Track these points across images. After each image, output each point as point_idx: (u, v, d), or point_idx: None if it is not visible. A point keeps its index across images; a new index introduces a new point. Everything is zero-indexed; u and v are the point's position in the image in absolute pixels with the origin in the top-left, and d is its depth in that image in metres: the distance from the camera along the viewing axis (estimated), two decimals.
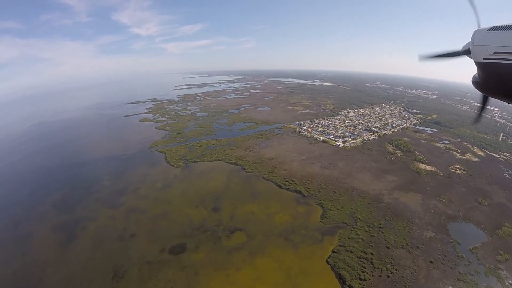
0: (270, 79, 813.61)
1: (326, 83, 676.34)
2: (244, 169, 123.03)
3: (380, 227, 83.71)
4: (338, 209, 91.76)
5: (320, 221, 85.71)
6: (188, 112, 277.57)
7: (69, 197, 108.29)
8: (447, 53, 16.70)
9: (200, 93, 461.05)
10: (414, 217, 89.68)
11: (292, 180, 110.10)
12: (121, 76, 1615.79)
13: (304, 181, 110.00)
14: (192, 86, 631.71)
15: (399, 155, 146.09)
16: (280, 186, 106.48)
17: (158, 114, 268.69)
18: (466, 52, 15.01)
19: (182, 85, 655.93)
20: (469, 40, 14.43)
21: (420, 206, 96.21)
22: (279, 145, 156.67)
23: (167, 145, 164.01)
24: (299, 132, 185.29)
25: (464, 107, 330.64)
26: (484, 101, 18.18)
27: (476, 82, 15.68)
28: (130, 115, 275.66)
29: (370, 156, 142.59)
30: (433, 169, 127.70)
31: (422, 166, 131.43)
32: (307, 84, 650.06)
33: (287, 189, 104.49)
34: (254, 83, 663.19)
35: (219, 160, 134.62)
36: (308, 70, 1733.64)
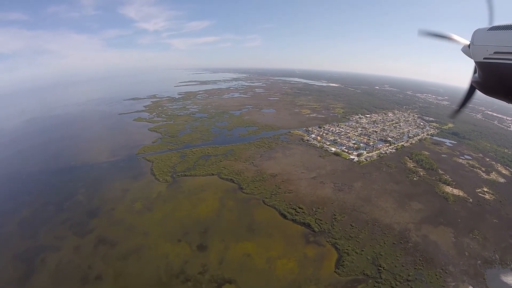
0: (276, 78, 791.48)
1: (334, 84, 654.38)
2: (241, 188, 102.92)
3: (409, 280, 65.46)
4: (357, 253, 72.08)
5: (335, 271, 66.14)
6: (186, 112, 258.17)
7: (38, 215, 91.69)
8: (447, 36, 15.65)
9: (202, 90, 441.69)
10: (448, 262, 72.13)
11: (299, 208, 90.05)
12: (125, 71, 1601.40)
13: (314, 209, 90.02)
14: (196, 83, 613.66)
15: (421, 174, 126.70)
16: (284, 216, 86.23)
17: (154, 113, 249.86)
18: (466, 50, 14.70)
19: (185, 82, 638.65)
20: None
21: (453, 247, 78.38)
22: (284, 157, 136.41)
23: (156, 151, 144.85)
24: (307, 140, 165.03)
25: (478, 116, 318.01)
26: (469, 96, 17.72)
27: (476, 82, 15.52)
28: (125, 113, 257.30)
29: (390, 175, 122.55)
30: (461, 194, 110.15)
31: (449, 189, 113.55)
32: (314, 84, 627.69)
33: (293, 220, 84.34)
34: (259, 82, 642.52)
35: (213, 174, 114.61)
36: (314, 70, 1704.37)
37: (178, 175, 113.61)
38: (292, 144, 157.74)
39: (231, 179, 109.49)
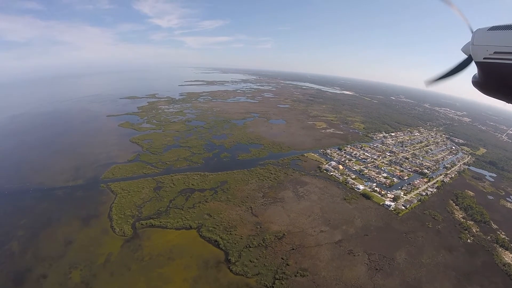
0: (287, 82, 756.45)
1: (348, 92, 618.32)
2: (229, 261, 67.46)
3: None
4: None
5: None
6: (182, 118, 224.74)
7: None
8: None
9: (207, 92, 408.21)
10: None
11: None
12: (137, 65, 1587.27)
13: None
14: (202, 83, 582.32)
15: (474, 231, 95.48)
16: None
17: (145, 118, 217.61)
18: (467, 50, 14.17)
19: (191, 81, 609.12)
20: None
21: None
22: (296, 200, 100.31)
23: (127, 176, 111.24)
24: (326, 170, 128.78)
25: (504, 137, 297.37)
26: (457, 69, 15.48)
27: (476, 82, 15.02)
28: (113, 115, 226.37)
29: (439, 236, 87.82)
30: None
31: (509, 257, 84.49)
32: (327, 91, 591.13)
33: None
34: (269, 85, 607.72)
35: (191, 228, 79.64)
36: (326, 75, 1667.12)
37: (142, 224, 79.13)
38: (307, 176, 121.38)
39: (215, 241, 73.83)
